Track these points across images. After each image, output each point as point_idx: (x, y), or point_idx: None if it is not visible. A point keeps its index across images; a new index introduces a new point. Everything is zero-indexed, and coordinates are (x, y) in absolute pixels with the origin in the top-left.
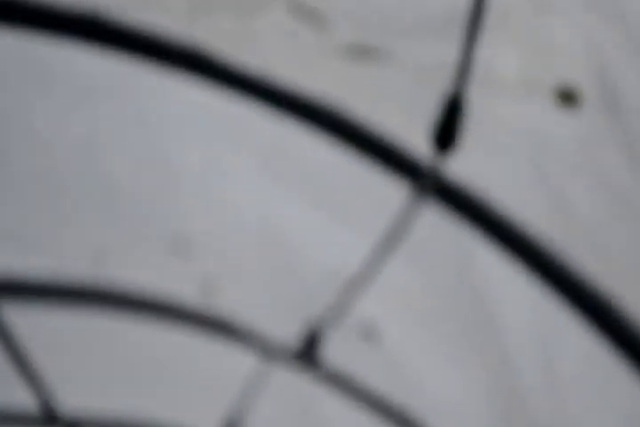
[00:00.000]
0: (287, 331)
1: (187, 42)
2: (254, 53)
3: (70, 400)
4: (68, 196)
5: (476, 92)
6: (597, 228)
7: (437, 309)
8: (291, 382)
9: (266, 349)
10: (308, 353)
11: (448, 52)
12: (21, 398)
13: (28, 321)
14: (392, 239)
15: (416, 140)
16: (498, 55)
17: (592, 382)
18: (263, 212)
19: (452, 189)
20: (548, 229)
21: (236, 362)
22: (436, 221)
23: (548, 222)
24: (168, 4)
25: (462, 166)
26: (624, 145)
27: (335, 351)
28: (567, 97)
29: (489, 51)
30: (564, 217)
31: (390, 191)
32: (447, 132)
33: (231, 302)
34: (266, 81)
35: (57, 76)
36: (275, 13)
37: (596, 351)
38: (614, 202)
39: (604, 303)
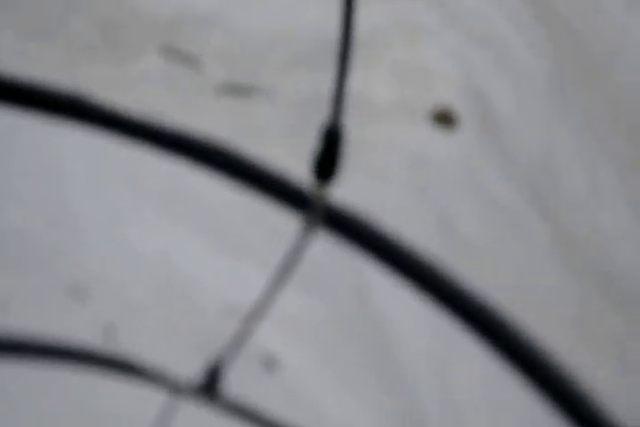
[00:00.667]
0: (190, 367)
1: (70, 90)
2: (135, 98)
3: None
4: None
5: (354, 120)
6: (483, 245)
7: (335, 336)
8: (197, 416)
9: (171, 385)
10: (210, 387)
11: (323, 82)
12: None
13: None
14: (287, 270)
15: (301, 171)
16: (372, 82)
17: (490, 404)
18: (162, 252)
19: (340, 217)
20: (436, 249)
21: (144, 400)
22: (329, 249)
23: (435, 242)
24: (47, 55)
25: (348, 193)
26: (502, 163)
27: (237, 383)
28: (444, 119)
29: (363, 78)
30: (450, 236)
31: (283, 223)
32: (328, 160)
33: (134, 343)
34: (151, 123)
35: None
36: (149, 57)
37: (493, 371)
38: (497, 219)
39: (495, 321)
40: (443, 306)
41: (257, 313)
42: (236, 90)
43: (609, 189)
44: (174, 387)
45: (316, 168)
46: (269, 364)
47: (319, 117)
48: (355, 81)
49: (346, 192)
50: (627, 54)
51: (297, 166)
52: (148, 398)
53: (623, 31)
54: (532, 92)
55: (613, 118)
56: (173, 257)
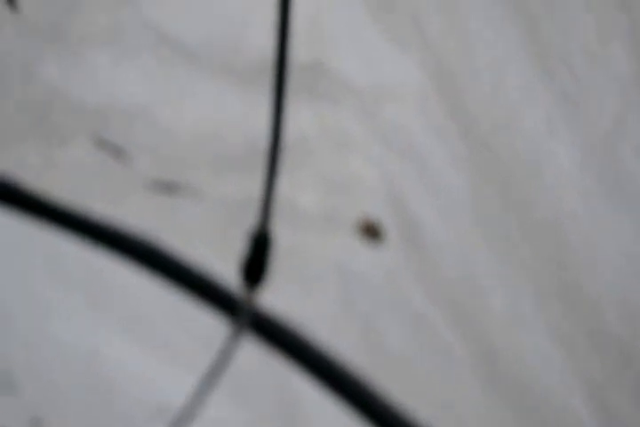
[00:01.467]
0: None
1: None
2: (63, 185)
3: None
4: None
5: (283, 226)
6: (407, 360)
7: None
8: None
9: None
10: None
11: (251, 186)
12: None
13: None
14: (214, 374)
15: (228, 273)
16: (299, 188)
17: None
18: (90, 346)
19: (267, 323)
20: (362, 361)
21: None
22: (256, 355)
23: (361, 354)
24: None
25: (275, 299)
26: (426, 278)
27: None
28: (369, 231)
29: (290, 184)
30: (374, 348)
31: (210, 325)
32: (256, 265)
33: None
34: (78, 212)
35: None
36: (79, 146)
37: None
38: (420, 334)
39: None
40: (368, 420)
41: (184, 417)
42: (164, 187)
43: (529, 313)
44: None
45: (245, 272)
46: None
47: (247, 220)
48: (282, 186)
49: (274, 299)
50: (545, 177)
51: (224, 268)
52: None
53: (542, 154)
54: (454, 208)
55: (533, 243)
56: (101, 352)
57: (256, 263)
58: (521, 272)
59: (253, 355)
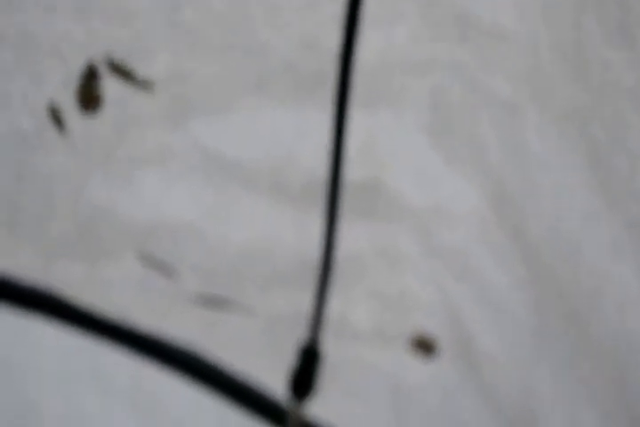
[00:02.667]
0: None
1: (43, 286)
2: (109, 299)
3: None
4: None
5: (332, 340)
6: None
7: None
8: None
9: None
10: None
11: (301, 301)
12: None
13: None
14: None
15: (276, 386)
16: (352, 306)
17: None
18: None
19: None
20: None
21: None
22: None
23: None
24: (21, 251)
25: (324, 411)
26: (480, 395)
27: None
28: (423, 346)
29: (342, 300)
30: None
31: None
32: (305, 378)
33: None
34: (124, 324)
35: None
36: (125, 261)
37: None
38: None
39: None
40: None
41: None
42: (212, 302)
43: None
44: None
45: (293, 384)
46: None
47: (296, 335)
48: (334, 303)
49: (323, 411)
50: (606, 302)
51: (272, 381)
52: None
53: (606, 276)
54: (512, 328)
55: (594, 364)
56: None
57: (304, 376)
58: (581, 391)
59: None
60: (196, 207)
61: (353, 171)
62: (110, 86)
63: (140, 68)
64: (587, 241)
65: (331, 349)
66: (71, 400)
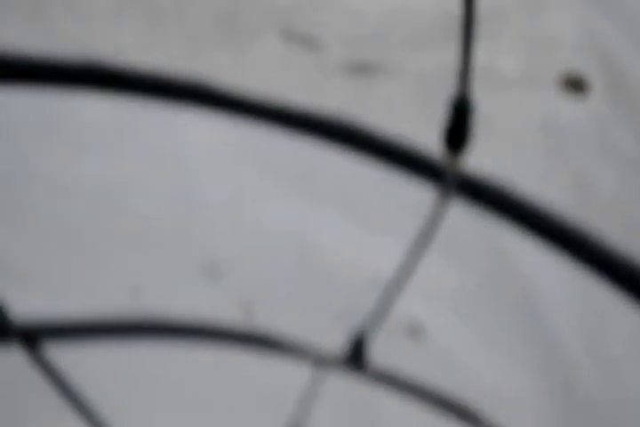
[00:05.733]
0: (332, 339)
1: (190, 77)
2: (256, 81)
3: None
4: (93, 237)
5: (482, 91)
6: (619, 203)
7: (478, 300)
8: (345, 388)
9: (315, 358)
10: (355, 357)
11: (447, 57)
12: None
13: (75, 360)
14: (424, 240)
15: (431, 143)
16: (497, 53)
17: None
18: (296, 229)
19: (475, 184)
20: (574, 209)
21: (288, 375)
22: (466, 218)
23: (574, 202)
24: (165, 44)
25: (481, 160)
26: (633, 123)
27: (382, 353)
28: (573, 84)
29: (488, 49)
30: (588, 195)
31: (417, 195)
32: (459, 130)
33: (274, 319)
34: (274, 104)
35: (67, 124)
36: (268, 41)
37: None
38: (632, 177)
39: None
40: (584, 264)
41: (398, 282)
42: (360, 69)
43: None
44: (319, 360)
45: (448, 138)
46: (413, 331)
47: (446, 91)
48: (480, 53)
49: (479, 160)
50: None
51: (427, 139)
52: (293, 374)
53: None
54: None
55: None
56: (307, 234)
57: (458, 129)
58: None
59: (463, 218)
60: None
61: None
62: None
63: None
64: None
65: (482, 99)
66: (231, 183)
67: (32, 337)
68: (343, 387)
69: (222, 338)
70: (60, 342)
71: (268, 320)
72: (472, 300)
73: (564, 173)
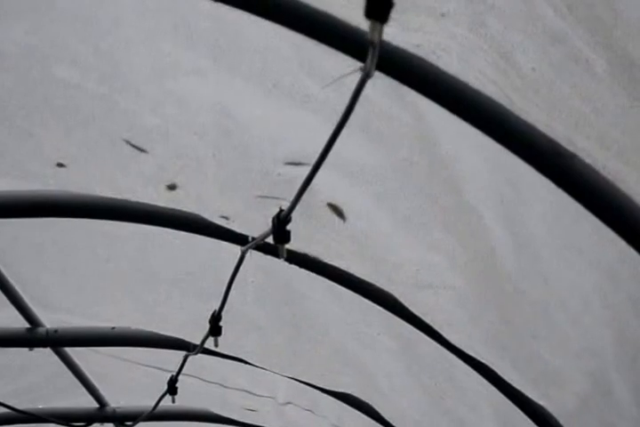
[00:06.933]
0: (254, 218)
1: None
2: None
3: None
4: (23, 111)
5: None
6: (542, 80)
7: (400, 179)
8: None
9: (237, 237)
10: (278, 235)
11: None
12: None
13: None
14: (346, 116)
15: (352, 13)
16: None
17: (563, 247)
18: (218, 101)
19: (396, 57)
20: (497, 83)
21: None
22: (387, 93)
23: (496, 77)
24: None
25: (403, 32)
26: None
27: (302, 232)
28: None
29: None
30: (510, 70)
31: (337, 68)
32: (381, 2)
33: (196, 197)
34: None
35: None
36: None
37: (564, 212)
38: (554, 50)
39: (555, 152)
40: (507, 143)
41: (319, 160)
42: None
43: None
44: (241, 238)
45: (369, 8)
46: (334, 211)
47: None
48: None
49: (401, 31)
50: None
51: (348, 8)
52: (217, 252)
53: None
54: None
55: None
56: (230, 107)
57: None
58: None
59: (384, 93)
60: None
61: None
62: None
63: None
64: None
65: None
66: (154, 50)
67: None
68: (264, 266)
69: (147, 217)
70: None
71: (189, 199)
72: (393, 178)
73: (487, 45)
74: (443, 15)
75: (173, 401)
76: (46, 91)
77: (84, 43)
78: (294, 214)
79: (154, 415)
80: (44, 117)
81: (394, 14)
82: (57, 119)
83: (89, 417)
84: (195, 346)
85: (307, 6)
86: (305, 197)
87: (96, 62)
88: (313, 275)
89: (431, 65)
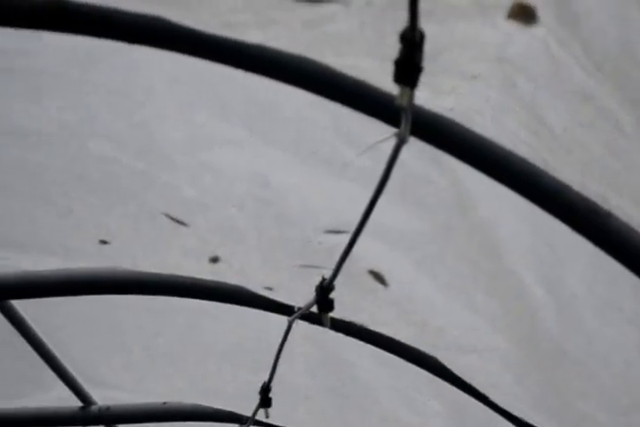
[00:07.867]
0: (297, 286)
1: (149, 15)
2: (211, 14)
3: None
4: (61, 188)
5: (432, 21)
6: (571, 138)
7: (439, 244)
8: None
9: (283, 308)
10: (322, 304)
11: None
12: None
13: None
14: (383, 183)
15: (383, 78)
16: None
17: (603, 305)
18: (254, 172)
19: (429, 121)
20: (528, 143)
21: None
22: (422, 158)
23: (527, 136)
24: None
25: (434, 95)
26: (583, 53)
27: (346, 299)
28: (522, 14)
29: None
30: (541, 129)
31: (371, 134)
32: (410, 66)
33: (238, 268)
34: (228, 40)
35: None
36: None
37: (602, 271)
38: (583, 108)
39: (591, 211)
40: (543, 203)
41: (358, 228)
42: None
43: None
44: (287, 308)
45: (398, 74)
46: (375, 278)
47: (398, 23)
48: None
49: (432, 95)
50: None
51: (378, 73)
52: (264, 323)
53: None
54: None
55: None
56: (268, 176)
57: (410, 63)
58: None
59: (419, 158)
60: None
61: None
62: None
63: None
64: None
65: (431, 30)
66: (190, 124)
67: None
68: (312, 336)
69: (192, 291)
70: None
71: (232, 269)
72: (433, 244)
73: (518, 104)
74: (474, 77)
75: None
76: (83, 166)
77: (119, 116)
78: (337, 282)
79: None
80: (82, 193)
81: (425, 78)
82: (95, 194)
83: None
84: (247, 418)
85: (340, 74)
86: (346, 264)
87: (131, 135)
88: (359, 342)
89: (465, 128)
